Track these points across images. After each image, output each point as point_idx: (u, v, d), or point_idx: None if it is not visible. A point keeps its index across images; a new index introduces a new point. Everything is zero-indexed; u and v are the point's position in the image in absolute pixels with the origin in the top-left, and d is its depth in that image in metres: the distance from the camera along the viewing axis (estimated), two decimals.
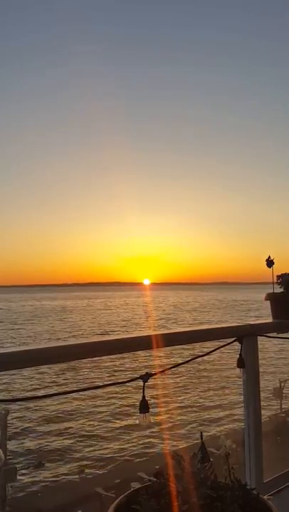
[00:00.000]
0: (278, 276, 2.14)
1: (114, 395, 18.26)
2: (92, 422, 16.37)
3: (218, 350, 1.83)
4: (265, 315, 2.24)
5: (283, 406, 15.46)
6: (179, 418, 16.39)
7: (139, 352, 1.93)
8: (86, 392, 18.22)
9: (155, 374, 1.51)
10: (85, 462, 13.03)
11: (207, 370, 21.96)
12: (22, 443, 14.35)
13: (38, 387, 20.17)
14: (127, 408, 16.84)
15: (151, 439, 14.14)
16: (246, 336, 1.89)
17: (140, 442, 14.20)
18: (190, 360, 1.80)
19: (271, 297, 2.16)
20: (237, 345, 1.88)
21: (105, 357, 1.73)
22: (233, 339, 1.87)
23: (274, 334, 2.10)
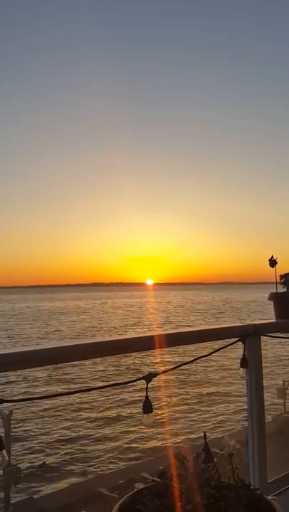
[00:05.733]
0: (281, 276, 2.14)
1: (118, 395, 18.26)
2: (95, 422, 16.37)
3: (221, 350, 1.83)
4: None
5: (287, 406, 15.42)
6: (182, 418, 16.38)
7: (141, 352, 1.93)
8: (89, 393, 18.23)
9: (158, 374, 1.51)
10: (88, 462, 13.04)
11: (210, 370, 21.94)
12: (25, 443, 14.37)
13: (41, 387, 20.19)
14: (130, 408, 16.83)
15: (154, 440, 14.13)
16: (249, 335, 1.89)
17: (143, 442, 14.20)
18: (193, 360, 1.80)
19: (274, 297, 2.16)
20: (240, 345, 1.88)
21: (108, 357, 1.73)
22: (236, 339, 1.86)
23: (277, 334, 2.10)
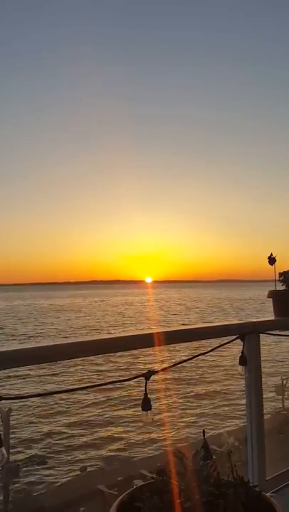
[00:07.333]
0: (280, 274, 2.13)
1: (117, 393, 18.28)
2: (94, 420, 16.40)
3: (220, 348, 1.83)
4: None
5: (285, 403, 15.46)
6: (181, 415, 16.41)
7: (141, 350, 1.92)
8: (88, 390, 18.24)
9: (157, 372, 1.51)
10: (87, 460, 13.06)
11: (209, 367, 21.97)
12: (24, 441, 14.39)
13: (40, 385, 20.21)
14: (129, 406, 16.85)
15: (153, 437, 14.16)
16: (248, 333, 1.89)
17: (142, 440, 14.22)
18: (192, 357, 1.80)
19: (273, 295, 2.16)
20: (239, 343, 1.88)
21: (107, 355, 1.73)
22: (235, 337, 1.86)
23: (276, 332, 2.10)
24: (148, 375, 1.47)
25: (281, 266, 2.12)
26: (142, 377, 1.47)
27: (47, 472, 12.27)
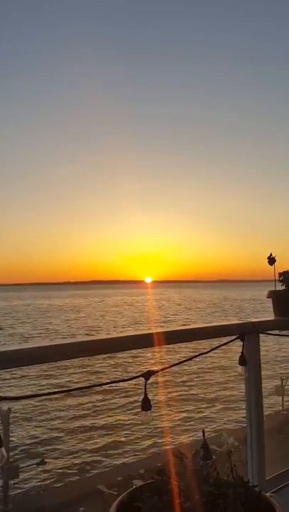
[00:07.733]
0: (280, 274, 2.13)
1: (116, 393, 18.27)
2: (93, 420, 16.39)
3: (220, 348, 1.83)
4: None
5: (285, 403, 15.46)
6: (181, 416, 16.41)
7: (140, 350, 1.92)
8: (88, 390, 18.24)
9: (157, 372, 1.51)
10: (87, 460, 13.05)
11: (209, 367, 21.97)
12: (24, 441, 14.38)
13: (40, 385, 20.20)
14: (128, 406, 16.85)
15: (153, 437, 14.16)
16: (248, 333, 1.89)
17: (142, 440, 14.22)
18: (192, 357, 1.80)
19: (273, 295, 2.15)
20: (239, 343, 1.88)
21: (107, 355, 1.73)
22: (235, 337, 1.86)
23: (276, 332, 2.10)
24: (148, 375, 1.47)
25: (281, 266, 2.12)
26: (141, 377, 1.47)
27: (46, 472, 12.27)
